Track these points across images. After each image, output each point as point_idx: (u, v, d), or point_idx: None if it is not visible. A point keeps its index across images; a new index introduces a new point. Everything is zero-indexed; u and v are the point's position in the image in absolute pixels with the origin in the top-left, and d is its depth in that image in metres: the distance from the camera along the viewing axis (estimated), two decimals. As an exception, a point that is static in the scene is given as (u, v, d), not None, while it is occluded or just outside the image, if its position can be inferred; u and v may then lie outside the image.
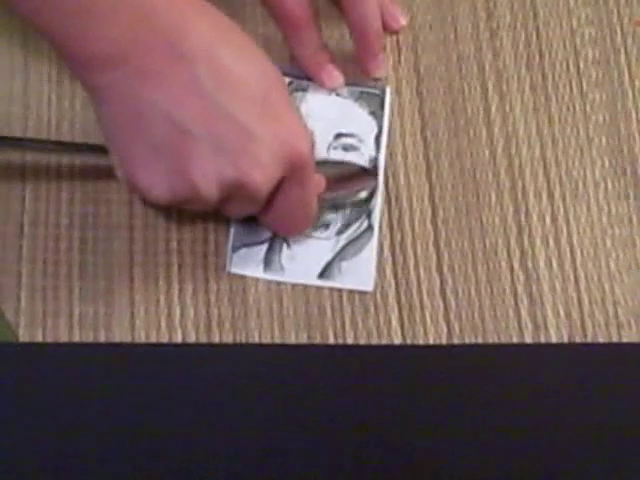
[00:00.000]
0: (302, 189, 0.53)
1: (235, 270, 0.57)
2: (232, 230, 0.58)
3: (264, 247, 0.58)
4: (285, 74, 0.61)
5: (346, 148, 0.60)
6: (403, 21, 0.62)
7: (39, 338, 0.55)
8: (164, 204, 0.52)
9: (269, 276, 0.57)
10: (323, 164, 0.57)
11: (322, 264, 0.58)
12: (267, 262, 0.58)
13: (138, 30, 0.47)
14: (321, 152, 0.60)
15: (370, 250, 0.58)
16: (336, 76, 0.61)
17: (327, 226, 0.59)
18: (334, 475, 0.54)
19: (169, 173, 0.50)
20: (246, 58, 0.50)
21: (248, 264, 0.57)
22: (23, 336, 0.55)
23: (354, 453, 0.55)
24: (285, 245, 0.58)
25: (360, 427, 0.55)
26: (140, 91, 0.48)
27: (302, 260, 0.58)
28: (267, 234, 0.58)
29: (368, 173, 0.59)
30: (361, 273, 0.58)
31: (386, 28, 0.61)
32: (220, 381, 0.55)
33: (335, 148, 0.60)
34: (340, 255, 0.58)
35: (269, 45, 0.61)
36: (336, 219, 0.59)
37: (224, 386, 0.55)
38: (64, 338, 0.55)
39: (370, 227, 0.59)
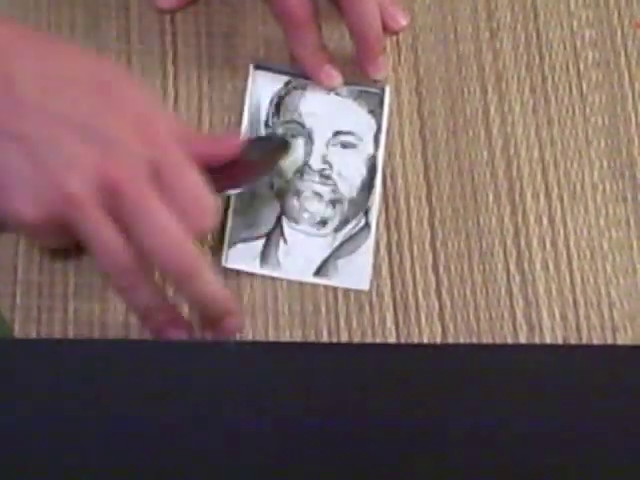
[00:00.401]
0: (177, 178, 0.51)
1: (231, 265, 0.57)
2: (229, 225, 0.58)
3: (261, 242, 0.58)
4: (284, 73, 0.61)
5: (344, 145, 0.60)
6: (403, 22, 0.62)
7: (33, 334, 0.55)
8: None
9: (265, 271, 0.57)
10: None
11: (318, 261, 0.58)
12: (264, 257, 0.58)
13: None
14: (320, 148, 0.60)
15: (367, 248, 0.58)
16: (334, 76, 0.61)
17: (324, 223, 0.59)
18: (326, 471, 0.54)
19: (35, 192, 0.49)
20: (70, 61, 0.51)
21: (244, 259, 0.57)
22: (18, 332, 0.55)
23: (346, 451, 0.55)
24: (282, 241, 0.58)
25: (353, 426, 0.55)
26: None
27: (299, 256, 0.58)
28: (264, 229, 0.58)
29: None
30: (357, 271, 0.58)
31: (386, 29, 0.61)
32: (213, 379, 0.55)
33: (334, 145, 0.60)
34: (337, 253, 0.58)
35: (269, 44, 0.62)
36: (333, 216, 0.59)
37: (218, 384, 0.55)
38: (59, 334, 0.55)
39: (367, 225, 0.59)
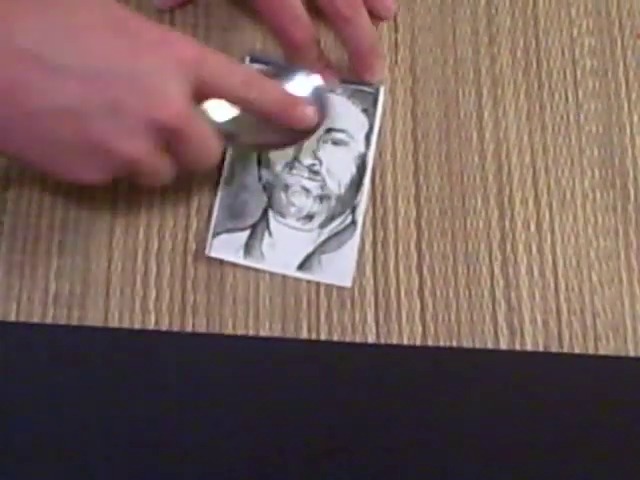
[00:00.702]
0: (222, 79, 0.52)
1: (215, 254, 0.57)
2: (214, 215, 0.58)
3: (245, 233, 0.58)
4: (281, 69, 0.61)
5: (336, 143, 0.60)
6: (392, 6, 0.63)
7: (12, 313, 0.55)
8: (115, 180, 0.51)
9: (249, 262, 0.58)
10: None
11: (302, 256, 0.58)
12: (248, 248, 0.58)
13: None
14: (311, 144, 0.60)
15: (352, 246, 0.58)
16: (332, 81, 0.61)
17: (311, 218, 0.59)
18: (302, 464, 0.54)
19: (96, 158, 0.49)
20: (79, 9, 0.48)
21: (228, 249, 0.58)
22: (-3, 311, 0.55)
23: (320, 447, 0.55)
24: (267, 233, 0.58)
25: (327, 423, 0.55)
26: (15, 115, 0.47)
27: (283, 250, 0.58)
28: (250, 221, 0.58)
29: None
30: (341, 268, 0.58)
31: (374, 16, 0.61)
32: (189, 370, 0.55)
33: (325, 142, 0.60)
34: (321, 248, 0.58)
35: (266, 37, 0.62)
36: (320, 212, 0.59)
37: (193, 375, 0.55)
38: (38, 314, 0.55)
39: (354, 222, 0.59)
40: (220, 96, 0.52)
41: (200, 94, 0.51)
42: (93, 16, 0.48)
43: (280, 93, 0.55)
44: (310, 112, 0.55)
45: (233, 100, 0.53)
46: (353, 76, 0.61)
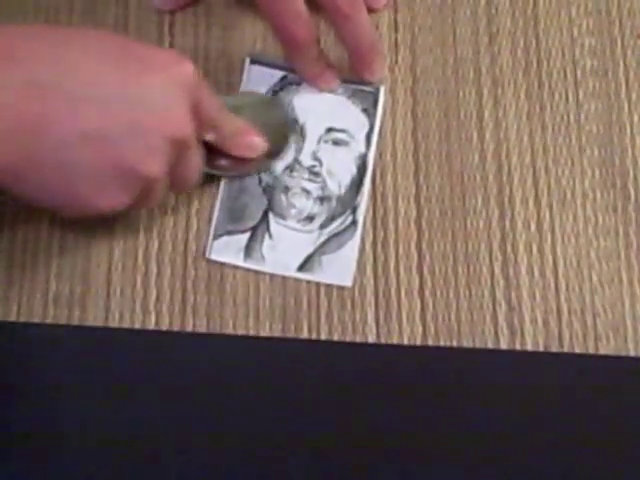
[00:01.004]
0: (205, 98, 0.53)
1: (215, 257, 0.57)
2: (215, 217, 0.58)
3: (246, 236, 0.58)
4: (280, 67, 0.61)
5: (336, 142, 0.60)
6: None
7: (13, 314, 0.55)
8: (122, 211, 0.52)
9: (249, 265, 0.58)
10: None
11: (303, 257, 0.58)
12: (248, 251, 0.58)
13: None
14: (311, 145, 0.60)
15: (352, 246, 0.58)
16: (332, 82, 0.61)
17: (311, 219, 0.59)
18: (303, 464, 0.54)
19: (118, 182, 0.50)
20: (83, 41, 0.50)
21: (228, 252, 0.58)
22: (-2, 310, 0.56)
23: (320, 447, 0.55)
24: (267, 235, 0.58)
25: (328, 423, 0.55)
26: (39, 151, 0.47)
27: (283, 251, 0.58)
28: (250, 223, 0.58)
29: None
30: (341, 268, 0.58)
31: (370, 10, 0.61)
32: (190, 370, 0.56)
33: (326, 142, 0.60)
34: (321, 249, 0.58)
35: (266, 38, 0.62)
36: (321, 213, 0.59)
37: (194, 375, 0.56)
38: (38, 314, 0.55)
39: (354, 223, 0.59)
40: (199, 120, 0.53)
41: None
42: (101, 46, 0.50)
43: (235, 124, 0.57)
44: (258, 142, 0.58)
45: (204, 125, 0.54)
46: (353, 76, 0.61)
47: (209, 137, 0.55)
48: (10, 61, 0.46)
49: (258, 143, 0.57)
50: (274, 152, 0.59)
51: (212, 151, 0.56)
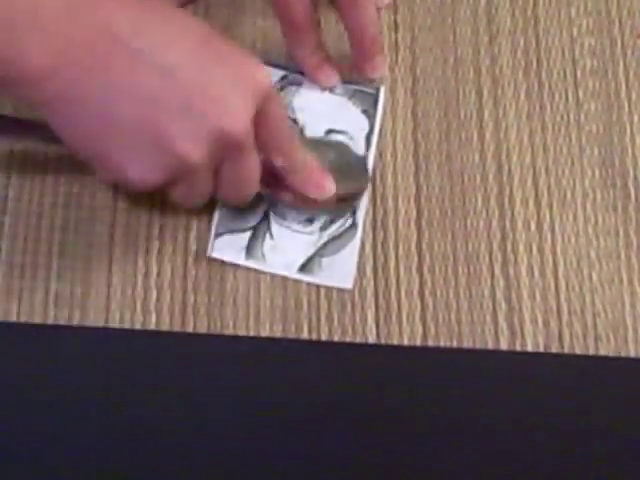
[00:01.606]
0: (274, 120, 0.53)
1: (217, 255, 0.57)
2: (216, 216, 0.58)
3: (247, 235, 0.58)
4: (281, 67, 0.61)
5: (336, 143, 0.61)
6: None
7: (13, 314, 0.55)
8: (156, 188, 0.52)
9: (250, 264, 0.58)
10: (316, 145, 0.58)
11: (303, 258, 0.58)
12: (249, 250, 0.58)
13: (65, 32, 0.46)
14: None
15: (352, 248, 0.58)
16: (332, 75, 0.61)
17: (311, 221, 0.59)
18: (302, 464, 0.55)
19: (154, 154, 0.49)
20: (173, 18, 0.50)
21: (230, 250, 0.58)
22: (-2, 311, 0.56)
23: (320, 448, 0.55)
24: (268, 235, 0.58)
25: (328, 424, 0.55)
26: (90, 89, 0.47)
27: (284, 252, 0.58)
28: (252, 222, 0.58)
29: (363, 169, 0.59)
30: (341, 270, 0.58)
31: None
32: (190, 371, 0.56)
33: (326, 143, 0.60)
34: (322, 251, 0.58)
35: (266, 38, 0.62)
36: (320, 214, 0.59)
37: (194, 376, 0.56)
38: (39, 315, 0.55)
39: (354, 225, 0.59)
40: (265, 136, 0.52)
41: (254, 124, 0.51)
42: (184, 25, 0.50)
43: (305, 157, 0.56)
44: (327, 184, 0.56)
45: (270, 143, 0.53)
46: (353, 76, 0.61)
47: (279, 162, 0.54)
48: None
49: (327, 185, 0.56)
50: (345, 198, 0.58)
51: (280, 183, 0.56)
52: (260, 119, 0.51)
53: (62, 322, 0.55)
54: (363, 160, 0.60)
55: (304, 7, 0.58)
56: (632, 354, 0.57)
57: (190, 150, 0.49)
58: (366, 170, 0.59)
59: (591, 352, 0.57)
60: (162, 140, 0.49)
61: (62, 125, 0.49)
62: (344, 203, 0.58)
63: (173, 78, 0.48)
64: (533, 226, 0.59)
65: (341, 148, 0.60)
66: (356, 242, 0.58)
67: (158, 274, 0.57)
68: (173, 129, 0.48)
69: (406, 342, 0.57)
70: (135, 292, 0.56)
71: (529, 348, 0.57)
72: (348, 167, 0.59)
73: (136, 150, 0.49)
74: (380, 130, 0.61)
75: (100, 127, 0.49)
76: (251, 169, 0.53)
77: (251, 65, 0.51)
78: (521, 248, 0.59)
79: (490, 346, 0.57)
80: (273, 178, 0.56)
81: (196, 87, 0.49)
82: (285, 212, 0.59)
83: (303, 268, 0.58)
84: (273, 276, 0.57)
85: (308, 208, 0.58)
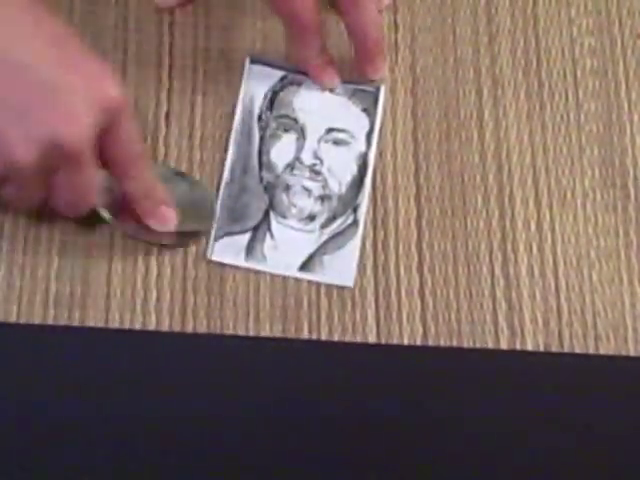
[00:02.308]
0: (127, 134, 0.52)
1: (217, 258, 0.57)
2: (216, 219, 0.58)
3: (247, 236, 0.58)
4: (280, 68, 0.61)
5: (337, 143, 0.60)
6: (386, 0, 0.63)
7: (13, 315, 0.55)
8: None
9: (251, 265, 0.58)
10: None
11: (304, 256, 0.58)
12: (249, 251, 0.58)
13: None
14: (312, 144, 0.60)
15: (353, 246, 0.58)
16: (335, 78, 0.61)
17: (312, 218, 0.59)
18: (302, 463, 0.55)
19: None
20: (27, 15, 0.50)
21: (230, 252, 0.58)
22: (-2, 312, 0.56)
23: (320, 447, 0.55)
24: (269, 235, 0.58)
25: (328, 423, 0.55)
26: None
27: (284, 251, 0.58)
28: (251, 223, 0.58)
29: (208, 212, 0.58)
30: (342, 268, 0.58)
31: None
32: (190, 371, 0.56)
33: (326, 142, 0.60)
34: (323, 249, 0.58)
35: (266, 38, 0.62)
36: (322, 212, 0.59)
37: (194, 376, 0.56)
38: (39, 315, 0.55)
39: (355, 222, 0.59)
40: (112, 154, 0.52)
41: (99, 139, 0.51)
42: (39, 24, 0.50)
43: (154, 184, 0.55)
44: (170, 215, 0.55)
45: (117, 163, 0.53)
46: (354, 76, 0.61)
47: (124, 185, 0.53)
48: None
49: (169, 218, 0.55)
50: (186, 234, 0.57)
51: (126, 210, 0.55)
52: (108, 135, 0.51)
53: (62, 322, 0.55)
54: (212, 201, 0.58)
55: (310, 9, 0.58)
56: (632, 353, 0.57)
57: (20, 152, 0.48)
58: (213, 211, 0.58)
59: (591, 351, 0.57)
60: None
61: None
62: (184, 238, 0.57)
63: (18, 77, 0.48)
64: (533, 226, 0.59)
65: (194, 185, 0.58)
66: (357, 240, 0.58)
67: (158, 275, 0.57)
68: (7, 128, 0.48)
69: (406, 341, 0.57)
70: (135, 292, 0.56)
71: (529, 347, 0.57)
72: (196, 205, 0.58)
73: None
74: (380, 130, 0.61)
75: None
76: (85, 183, 0.52)
77: (105, 78, 0.50)
78: (521, 248, 0.59)
79: (490, 345, 0.57)
80: (118, 203, 0.55)
81: (40, 90, 0.48)
82: (285, 210, 0.59)
83: (304, 266, 0.58)
84: (273, 276, 0.57)
85: (145, 240, 0.57)
